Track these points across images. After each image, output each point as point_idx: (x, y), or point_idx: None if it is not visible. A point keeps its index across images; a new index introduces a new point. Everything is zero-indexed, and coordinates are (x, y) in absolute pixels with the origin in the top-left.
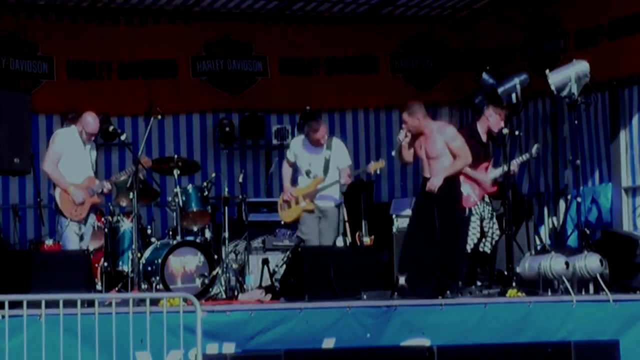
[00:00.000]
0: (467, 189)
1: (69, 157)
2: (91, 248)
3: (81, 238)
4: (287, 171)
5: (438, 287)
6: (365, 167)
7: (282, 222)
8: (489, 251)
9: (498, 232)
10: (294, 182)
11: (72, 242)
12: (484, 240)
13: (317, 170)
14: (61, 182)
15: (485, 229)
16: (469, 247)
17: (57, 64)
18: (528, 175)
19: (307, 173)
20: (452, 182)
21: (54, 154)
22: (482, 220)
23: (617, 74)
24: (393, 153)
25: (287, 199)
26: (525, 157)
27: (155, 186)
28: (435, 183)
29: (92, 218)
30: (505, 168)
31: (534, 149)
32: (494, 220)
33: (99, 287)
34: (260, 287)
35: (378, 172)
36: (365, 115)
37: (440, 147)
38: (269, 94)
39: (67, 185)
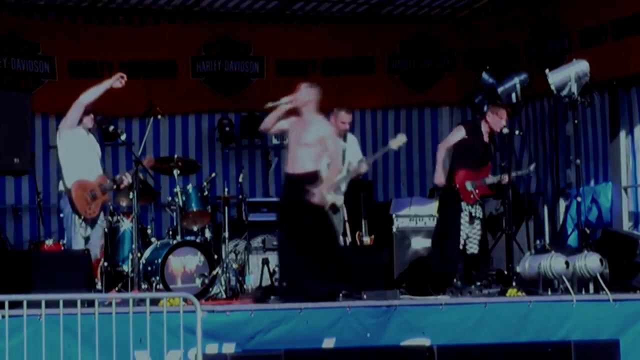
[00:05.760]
0: (470, 186)
1: (79, 155)
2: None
3: (86, 241)
4: None
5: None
6: (385, 147)
7: None
8: (476, 252)
9: (480, 232)
10: None
11: (78, 245)
12: (468, 243)
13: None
14: (99, 87)
15: (467, 230)
16: (476, 247)
17: (58, 64)
18: (536, 175)
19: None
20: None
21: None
22: (471, 218)
23: (622, 74)
24: (268, 104)
25: None
26: (523, 173)
27: (150, 179)
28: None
29: (102, 220)
30: (503, 177)
31: (531, 167)
32: (478, 221)
33: (99, 286)
34: (260, 287)
35: (401, 146)
36: (362, 116)
37: (315, 138)
38: (265, 96)
39: (104, 82)
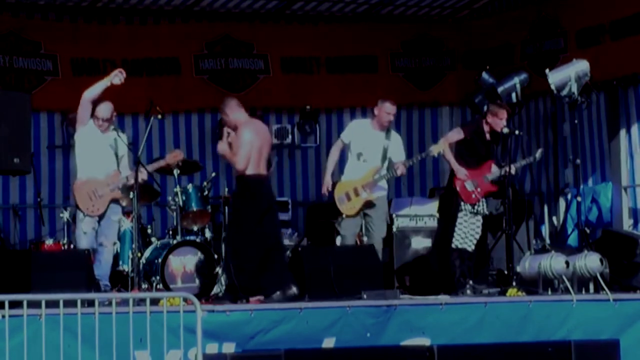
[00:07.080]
0: (471, 186)
1: (91, 151)
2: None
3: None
4: (334, 158)
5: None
6: (427, 151)
7: (344, 216)
8: (470, 249)
9: (480, 231)
10: (340, 168)
11: (80, 239)
12: (465, 239)
13: (370, 155)
14: (100, 83)
15: (465, 228)
16: (472, 245)
17: (60, 62)
18: (530, 174)
19: (359, 156)
20: (242, 181)
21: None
22: (473, 215)
23: (620, 74)
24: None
25: (326, 193)
26: (528, 160)
27: (156, 186)
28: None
29: (117, 215)
30: (506, 169)
31: (537, 153)
32: (480, 217)
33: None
34: None
35: (442, 152)
36: (364, 114)
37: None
38: (271, 93)
39: (104, 79)
